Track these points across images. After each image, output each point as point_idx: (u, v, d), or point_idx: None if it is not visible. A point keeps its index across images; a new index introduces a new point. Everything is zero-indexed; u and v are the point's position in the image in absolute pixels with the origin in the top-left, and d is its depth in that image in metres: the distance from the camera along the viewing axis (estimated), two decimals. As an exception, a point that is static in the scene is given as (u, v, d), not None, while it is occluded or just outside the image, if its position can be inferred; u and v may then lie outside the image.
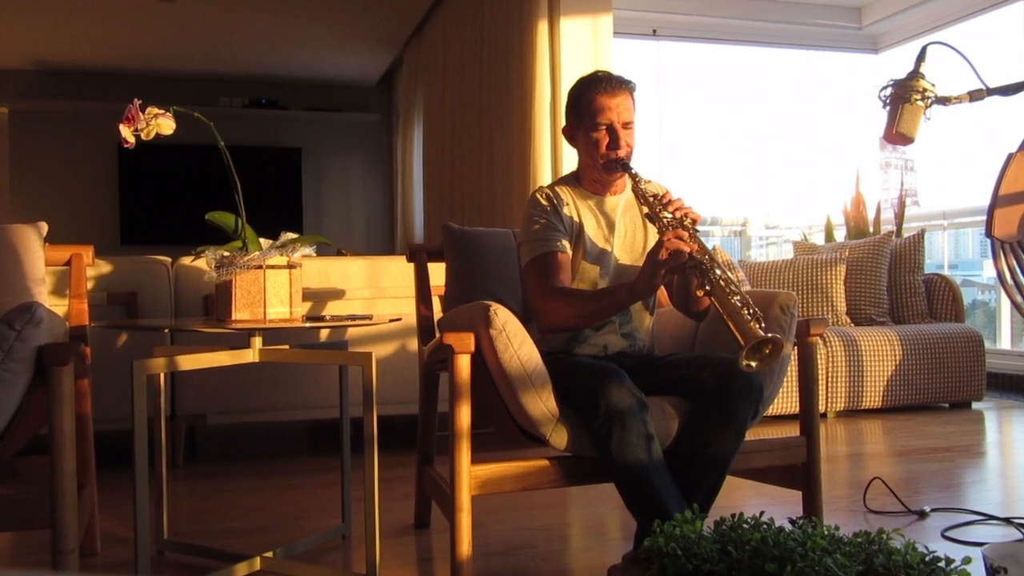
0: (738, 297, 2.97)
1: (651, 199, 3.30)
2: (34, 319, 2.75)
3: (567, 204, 3.54)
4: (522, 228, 3.57)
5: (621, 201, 3.61)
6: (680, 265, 3.10)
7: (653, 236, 3.55)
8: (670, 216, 3.22)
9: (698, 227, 3.21)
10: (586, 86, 3.52)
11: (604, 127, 3.45)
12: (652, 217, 3.28)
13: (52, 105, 11.83)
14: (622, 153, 3.46)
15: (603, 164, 3.48)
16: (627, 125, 3.47)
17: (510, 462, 3.13)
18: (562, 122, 3.71)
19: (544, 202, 3.53)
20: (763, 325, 2.93)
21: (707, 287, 3.03)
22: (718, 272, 3.04)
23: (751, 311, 2.94)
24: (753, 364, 2.91)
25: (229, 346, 3.35)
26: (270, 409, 5.43)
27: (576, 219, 3.53)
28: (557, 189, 3.59)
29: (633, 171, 3.44)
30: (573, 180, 3.66)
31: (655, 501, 2.95)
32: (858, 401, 6.83)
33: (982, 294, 9.77)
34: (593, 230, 3.53)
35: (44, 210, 11.27)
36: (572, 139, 3.62)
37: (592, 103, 3.47)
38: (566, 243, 3.48)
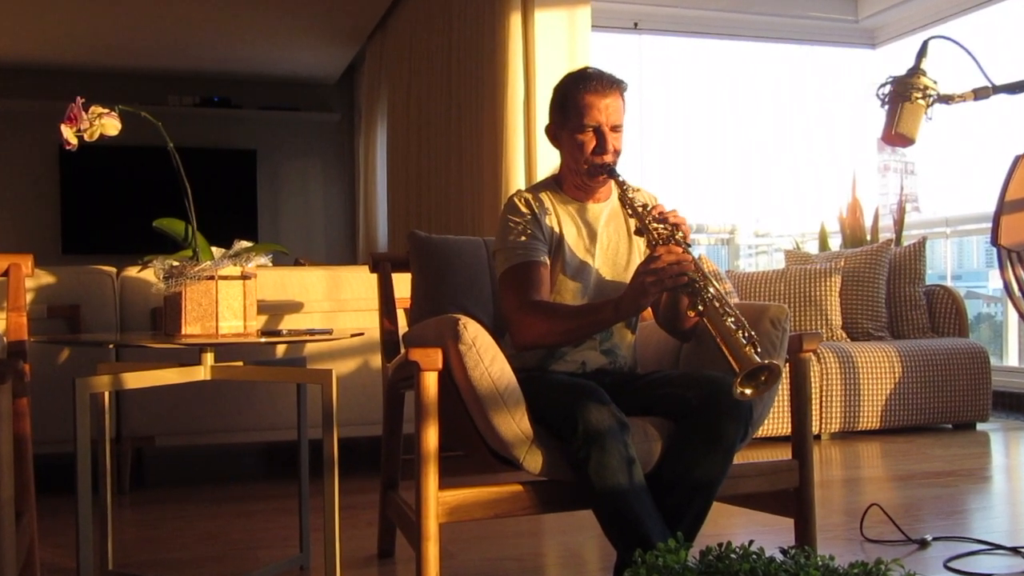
0: (732, 319, 2.98)
1: (639, 209, 3.30)
2: (-32, 334, 2.75)
3: (548, 212, 3.54)
4: (498, 235, 3.57)
5: (605, 209, 3.61)
6: (674, 286, 3.12)
7: (639, 249, 3.55)
8: (661, 228, 3.22)
9: (689, 242, 3.22)
10: (574, 83, 3.51)
11: (590, 129, 3.43)
12: (641, 230, 3.27)
13: (-13, 104, 11.80)
14: (608, 158, 3.45)
15: (587, 169, 3.47)
16: (616, 128, 3.46)
17: (480, 487, 3.13)
18: (536, 122, 3.71)
19: (523, 208, 3.52)
20: (759, 350, 2.95)
21: (700, 307, 3.04)
22: (711, 291, 3.05)
23: (746, 334, 2.95)
24: (748, 392, 2.92)
25: (179, 363, 3.35)
26: (223, 430, 5.42)
27: (556, 228, 3.52)
28: (538, 195, 3.59)
29: (620, 178, 3.43)
30: (554, 184, 3.65)
31: (636, 529, 2.96)
32: (854, 422, 6.85)
33: (988, 307, 9.83)
34: (574, 240, 3.53)
35: (-22, 217, 11.27)
36: (555, 139, 3.61)
37: (579, 102, 3.45)
38: (546, 255, 3.48)
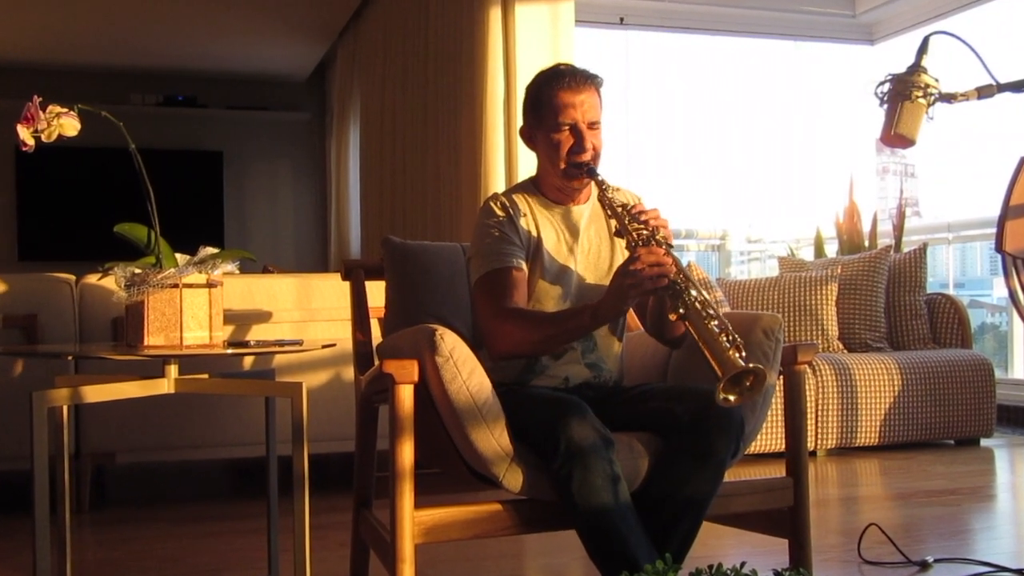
0: (716, 322, 2.99)
1: (619, 209, 3.31)
2: (-82, 345, 2.75)
3: (524, 214, 3.53)
4: (473, 241, 3.57)
5: (585, 211, 3.61)
6: (654, 289, 3.12)
7: (621, 251, 3.55)
8: (642, 228, 3.22)
9: (671, 243, 3.22)
10: (546, 81, 3.51)
11: (567, 127, 3.43)
12: (621, 231, 3.28)
13: (-62, 102, 11.75)
14: (587, 157, 3.44)
15: (565, 169, 3.47)
16: (593, 125, 3.46)
17: (458, 506, 3.13)
18: (517, 122, 3.71)
19: (499, 211, 3.52)
20: (744, 354, 2.95)
21: (681, 310, 3.05)
22: (693, 293, 3.05)
23: (730, 338, 2.96)
24: (731, 398, 2.93)
25: (141, 375, 3.35)
26: (187, 446, 5.41)
27: (534, 232, 3.52)
28: (514, 197, 3.58)
29: (599, 177, 3.43)
30: (531, 187, 3.65)
31: (622, 550, 2.96)
32: (852, 437, 6.85)
33: (992, 316, 9.85)
34: (553, 244, 3.53)
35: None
36: (530, 141, 3.62)
37: (553, 100, 3.45)
38: (522, 260, 3.48)
